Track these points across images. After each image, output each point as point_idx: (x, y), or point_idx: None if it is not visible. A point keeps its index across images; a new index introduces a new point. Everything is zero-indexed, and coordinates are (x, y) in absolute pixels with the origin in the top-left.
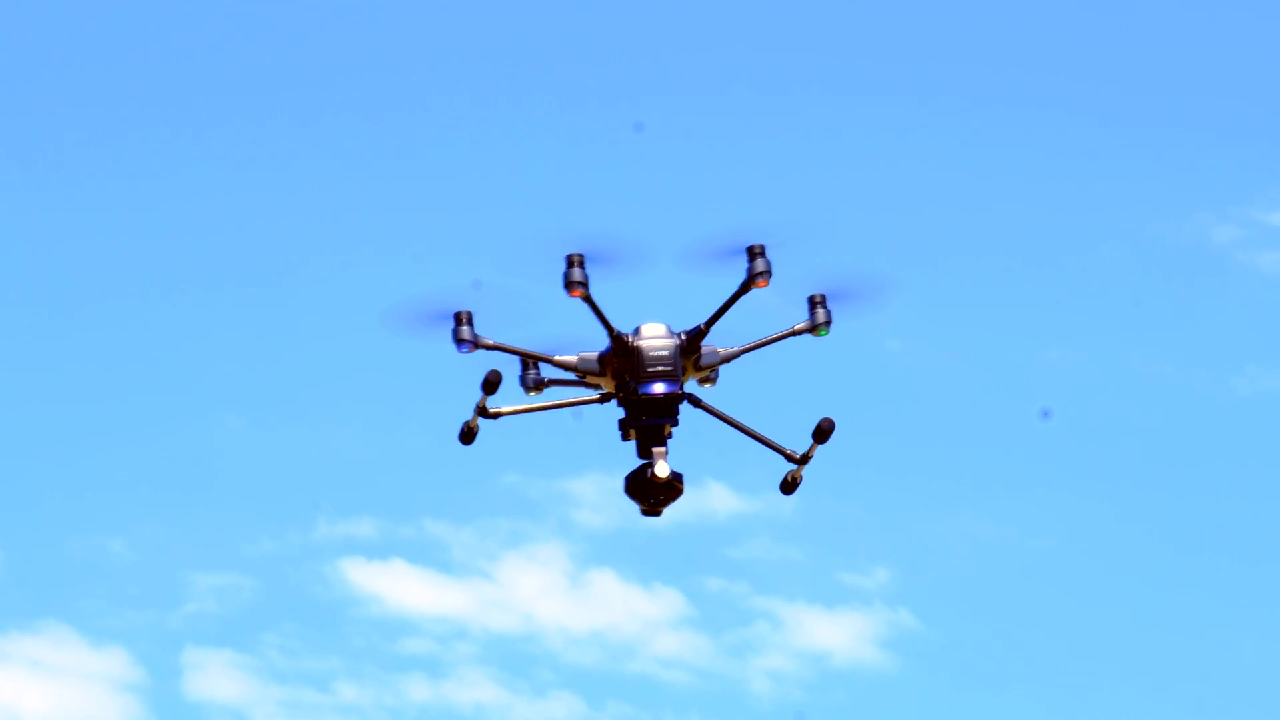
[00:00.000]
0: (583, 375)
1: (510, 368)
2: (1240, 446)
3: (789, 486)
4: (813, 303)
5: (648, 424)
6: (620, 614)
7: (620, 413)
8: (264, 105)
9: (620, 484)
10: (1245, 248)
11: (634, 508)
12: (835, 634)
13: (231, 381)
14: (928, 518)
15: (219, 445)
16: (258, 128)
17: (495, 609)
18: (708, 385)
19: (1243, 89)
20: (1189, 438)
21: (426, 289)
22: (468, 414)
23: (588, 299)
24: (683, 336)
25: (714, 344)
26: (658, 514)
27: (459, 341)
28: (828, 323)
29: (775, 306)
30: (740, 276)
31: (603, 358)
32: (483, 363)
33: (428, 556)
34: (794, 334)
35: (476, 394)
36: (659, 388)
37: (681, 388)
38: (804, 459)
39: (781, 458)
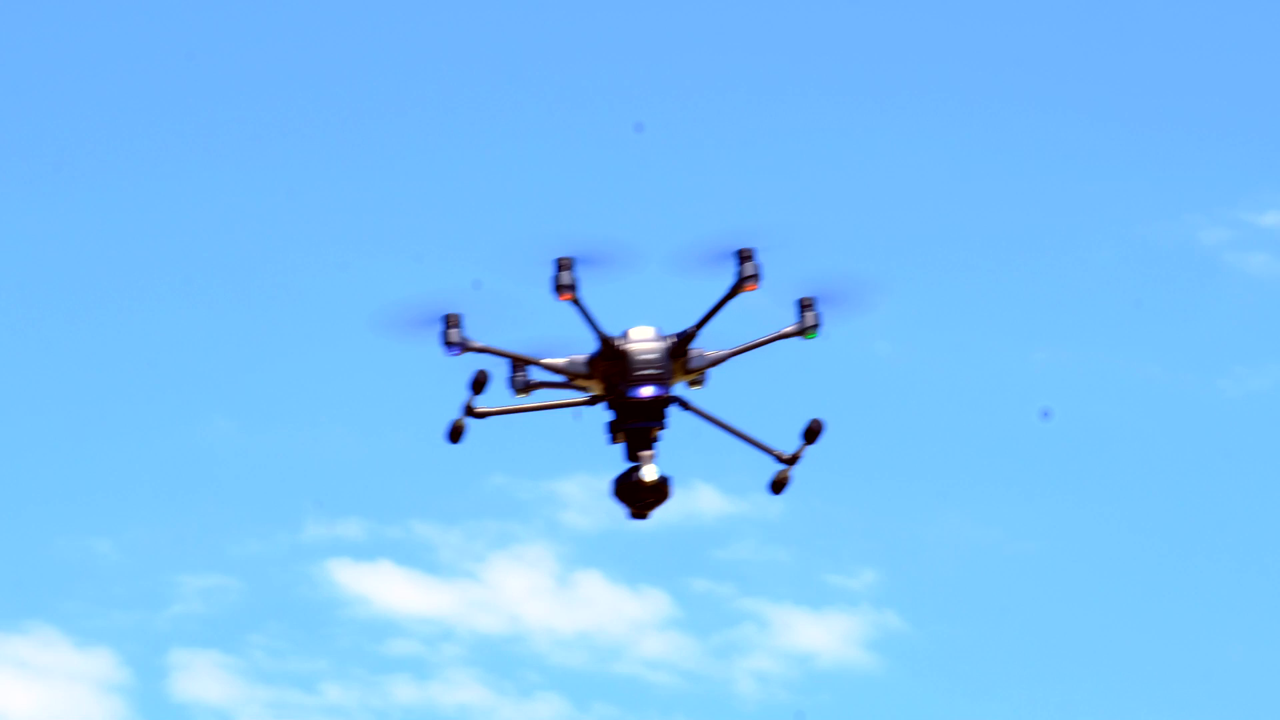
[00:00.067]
0: (571, 378)
1: (499, 370)
2: (1228, 447)
3: (778, 486)
4: (802, 306)
5: (636, 427)
6: (607, 615)
7: (609, 416)
8: (254, 108)
9: (608, 487)
10: (1234, 249)
11: (622, 510)
12: (822, 635)
13: (221, 384)
14: (915, 520)
15: (208, 447)
16: (247, 131)
17: (482, 610)
18: (697, 388)
19: (1232, 92)
20: (1177, 439)
21: (417, 291)
22: (455, 414)
23: (577, 302)
24: (672, 340)
25: (703, 347)
26: (645, 517)
27: (448, 344)
28: (817, 326)
29: (765, 309)
30: (729, 280)
31: (591, 361)
32: (471, 363)
33: (415, 557)
34: (783, 337)
35: (464, 395)
36: (648, 391)
37: (670, 391)
38: (793, 459)
39: (770, 459)
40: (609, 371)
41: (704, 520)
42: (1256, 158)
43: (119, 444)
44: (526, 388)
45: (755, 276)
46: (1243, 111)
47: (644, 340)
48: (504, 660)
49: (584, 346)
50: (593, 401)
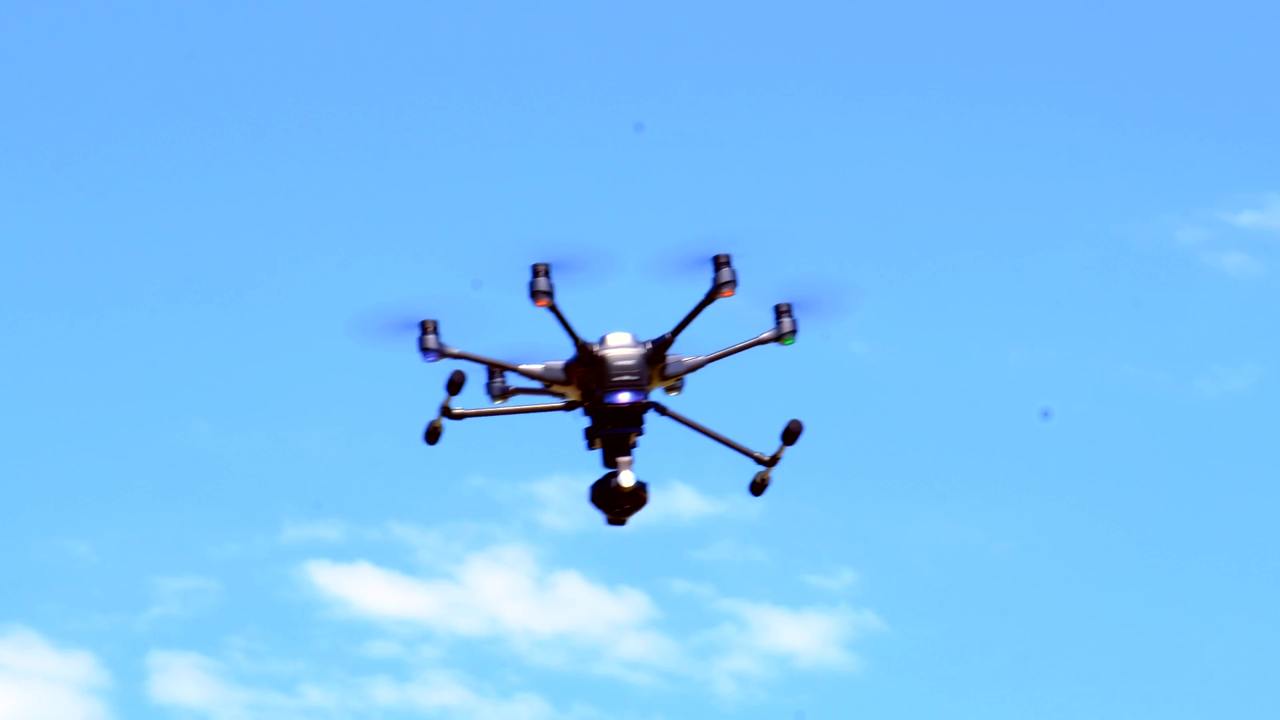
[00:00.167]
0: (548, 384)
1: (476, 376)
2: (1205, 447)
3: (758, 488)
4: (778, 312)
5: (613, 433)
6: (586, 616)
7: (586, 422)
8: (235, 110)
9: (586, 492)
10: (1211, 249)
11: (599, 516)
12: (801, 636)
13: (199, 386)
14: (894, 520)
15: (186, 449)
16: (221, 134)
17: (461, 611)
18: (674, 394)
19: (1210, 92)
20: (1155, 438)
21: (397, 295)
22: (433, 415)
23: (553, 308)
24: (648, 346)
25: (680, 353)
26: (623, 523)
27: (425, 350)
28: (793, 332)
29: (742, 314)
30: (706, 286)
31: (568, 367)
32: (448, 366)
33: (394, 559)
34: (760, 343)
35: (441, 397)
36: (625, 397)
37: (647, 397)
38: (773, 460)
39: (749, 461)
40: (586, 377)
41: (682, 521)
42: (1233, 158)
43: (97, 446)
44: (504, 394)
45: (732, 282)
46: (1220, 112)
47: (621, 346)
48: (483, 661)
49: (561, 352)
50: (570, 407)
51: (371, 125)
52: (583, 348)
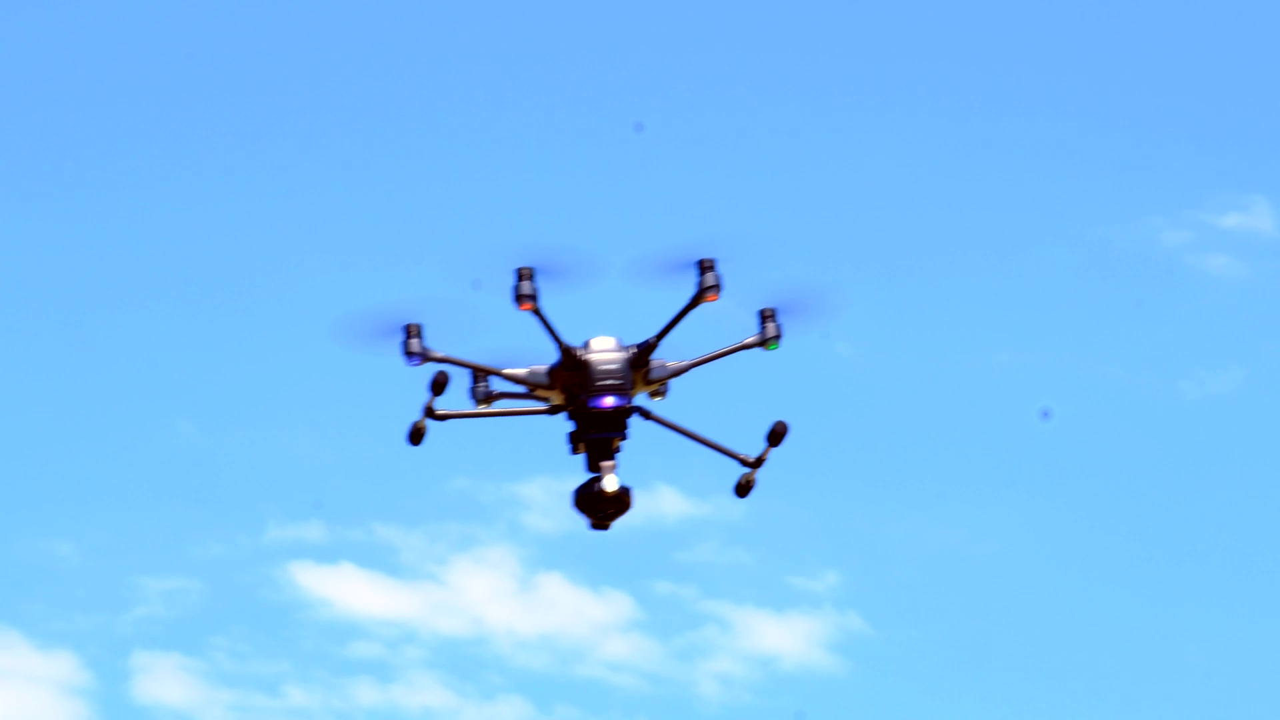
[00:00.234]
0: (532, 388)
1: (460, 380)
2: (1189, 449)
3: (743, 489)
4: (763, 317)
5: (597, 437)
6: (569, 617)
7: (570, 426)
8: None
9: (569, 496)
10: (1195, 251)
11: (582, 520)
12: (784, 637)
13: (182, 387)
14: (877, 522)
15: (169, 449)
16: (212, 135)
17: (444, 612)
18: (658, 398)
19: (1195, 94)
20: (1138, 440)
21: (383, 298)
22: (416, 416)
23: (537, 312)
24: (632, 350)
25: (664, 358)
26: (606, 528)
27: (409, 354)
28: (778, 337)
29: (726, 318)
30: (690, 290)
31: (552, 371)
32: (432, 369)
33: (377, 560)
34: (744, 348)
35: (424, 397)
36: (609, 401)
37: (631, 401)
38: (758, 462)
39: (734, 463)
40: (570, 382)
41: (666, 523)
42: (1218, 160)
43: (81, 446)
44: (488, 398)
45: (716, 287)
46: (1205, 114)
47: (605, 350)
48: (466, 662)
49: (545, 357)
50: (554, 411)
51: (364, 125)
52: (567, 352)
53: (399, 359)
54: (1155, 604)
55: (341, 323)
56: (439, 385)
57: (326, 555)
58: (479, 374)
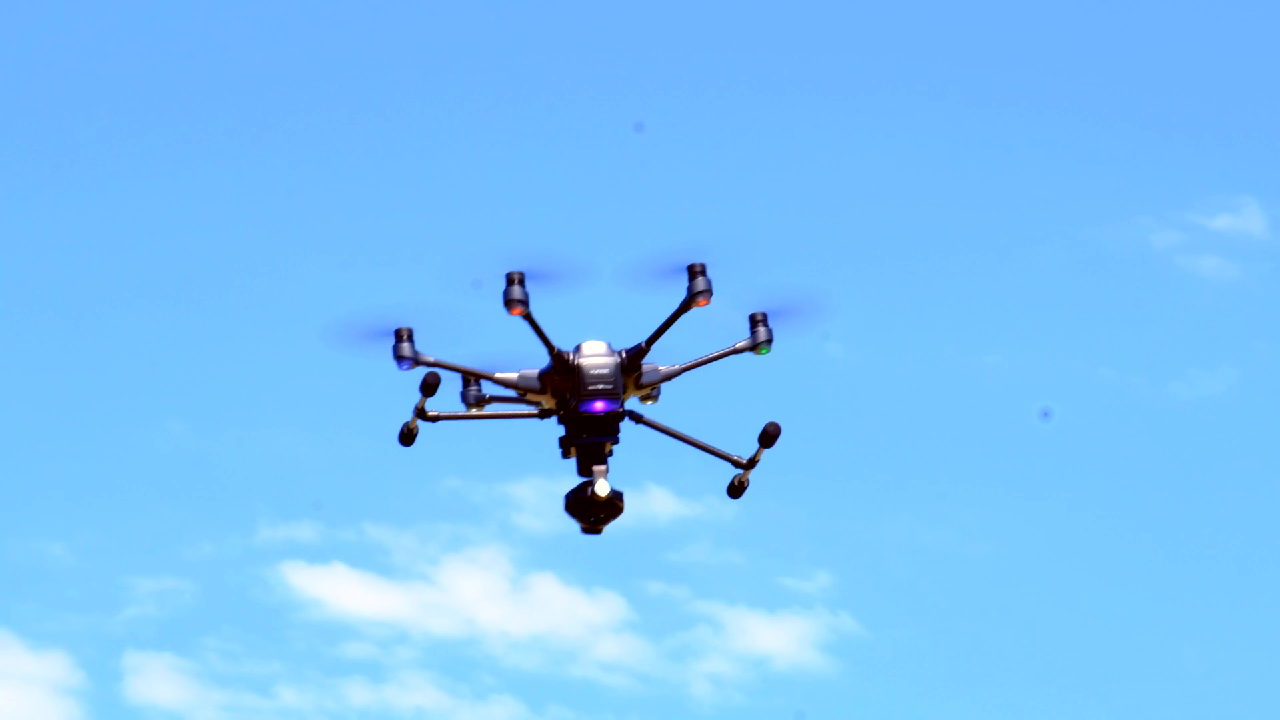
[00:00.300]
0: (523, 393)
1: (451, 384)
2: (1181, 450)
3: (736, 490)
4: (753, 321)
5: (588, 442)
6: (561, 618)
7: (561, 430)
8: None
9: (561, 499)
10: (1186, 252)
11: (574, 525)
12: (776, 638)
13: (173, 386)
14: (869, 522)
15: (160, 449)
16: (202, 135)
17: (436, 613)
18: (650, 402)
19: (1185, 94)
20: (1130, 441)
21: (375, 300)
22: (407, 417)
23: (528, 317)
24: (623, 355)
25: (655, 362)
26: (598, 532)
27: (399, 359)
28: (769, 341)
29: (718, 321)
30: (681, 295)
31: (543, 375)
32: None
33: (368, 560)
34: (735, 352)
35: (416, 398)
36: (600, 405)
37: (622, 405)
38: (750, 463)
39: (728, 465)
40: (561, 386)
41: (658, 523)
42: (1208, 161)
43: (72, 446)
44: (479, 402)
45: (707, 292)
46: (1195, 114)
47: (596, 355)
48: (458, 663)
49: (536, 361)
50: (544, 415)
51: (360, 125)
52: (557, 356)
53: (390, 362)
54: (1149, 604)
55: (332, 326)
56: (430, 386)
57: (318, 555)
58: (470, 378)
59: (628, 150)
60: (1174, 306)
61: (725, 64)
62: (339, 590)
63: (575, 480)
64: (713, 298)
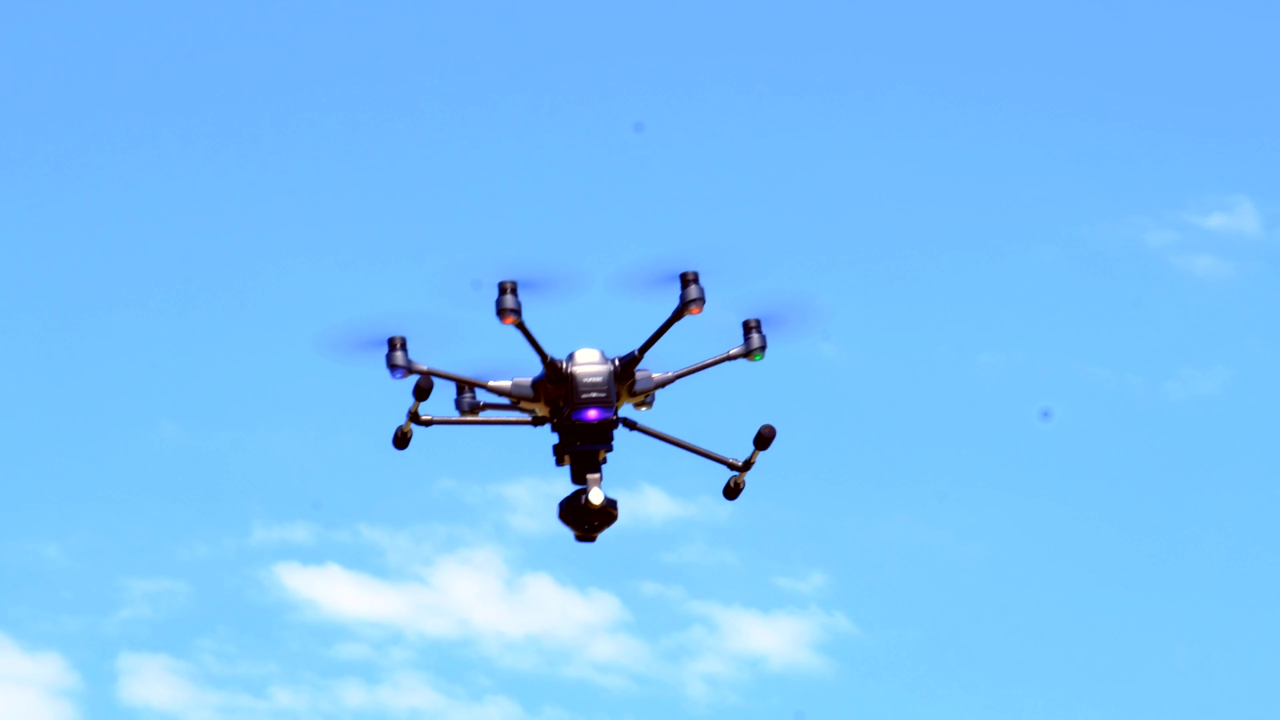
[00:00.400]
0: (517, 401)
1: (445, 391)
2: (1174, 450)
3: (732, 492)
4: (747, 328)
5: (582, 449)
6: (556, 619)
7: (554, 438)
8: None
9: (555, 504)
10: (1180, 251)
11: (568, 532)
12: (772, 638)
13: (167, 387)
14: (863, 522)
15: (154, 450)
16: (204, 134)
17: (431, 614)
18: (644, 409)
19: (1179, 92)
20: (1124, 441)
21: (368, 306)
22: (401, 419)
23: (520, 326)
24: (616, 362)
25: (648, 369)
26: (592, 540)
27: (392, 367)
28: (762, 348)
29: (712, 328)
30: (674, 303)
31: (536, 384)
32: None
33: (363, 561)
34: (729, 359)
35: (410, 401)
36: (593, 413)
37: (615, 413)
38: (746, 465)
39: (723, 468)
40: (554, 394)
41: (652, 524)
42: (1203, 160)
43: (65, 448)
44: (473, 409)
45: (700, 300)
46: (1189, 113)
47: (589, 363)
48: (453, 664)
49: (529, 369)
50: (538, 423)
51: (356, 125)
52: (550, 365)
53: (383, 369)
54: (1143, 604)
55: (325, 335)
56: (423, 390)
57: (312, 557)
58: (463, 386)
59: (627, 151)
60: (1168, 306)
61: (724, 64)
62: (333, 591)
63: (569, 483)
64: (705, 305)
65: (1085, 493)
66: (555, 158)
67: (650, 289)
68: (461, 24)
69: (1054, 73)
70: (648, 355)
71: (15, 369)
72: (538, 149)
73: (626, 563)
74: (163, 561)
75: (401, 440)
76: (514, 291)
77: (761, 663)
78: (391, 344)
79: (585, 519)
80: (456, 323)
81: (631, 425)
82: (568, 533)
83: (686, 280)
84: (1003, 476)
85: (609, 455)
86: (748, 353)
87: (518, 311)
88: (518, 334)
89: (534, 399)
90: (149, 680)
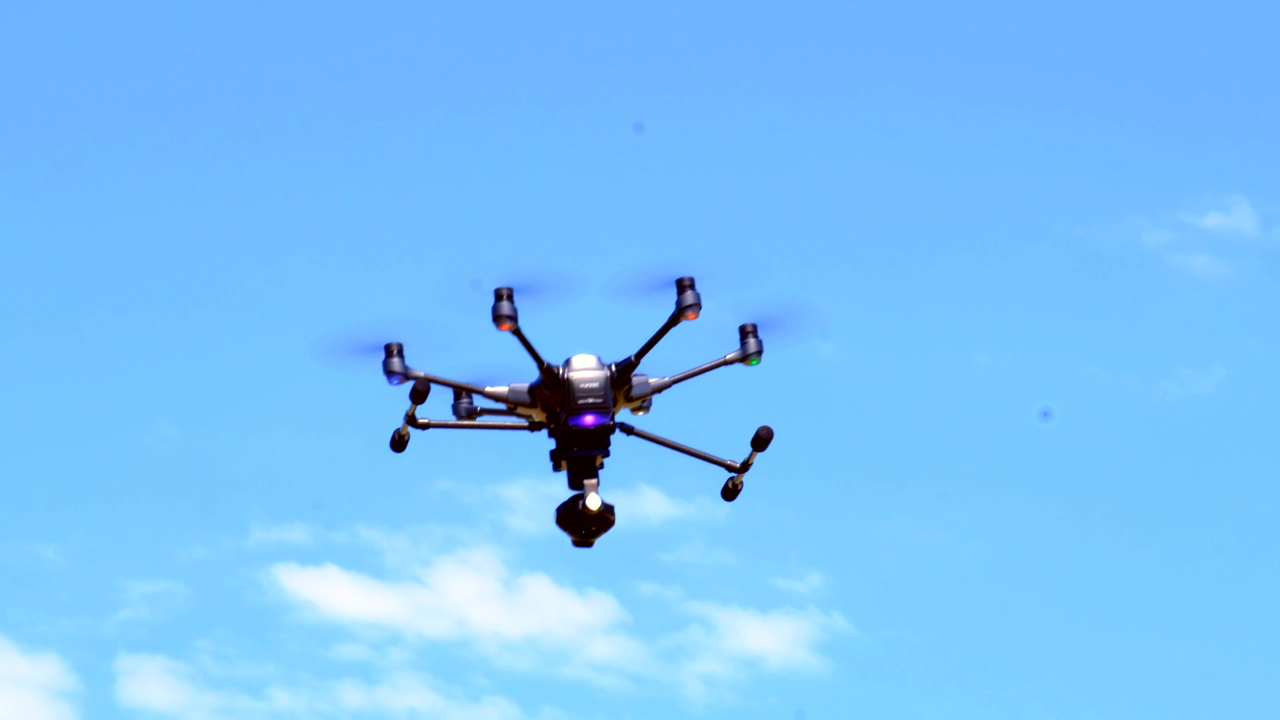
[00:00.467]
0: (514, 406)
1: (442, 397)
2: (1171, 450)
3: (730, 493)
4: (744, 332)
5: (579, 455)
6: (554, 619)
7: (551, 443)
8: (216, 109)
9: (552, 506)
10: (1176, 251)
11: (565, 538)
12: (769, 638)
13: (165, 388)
14: (861, 522)
15: (152, 451)
16: (202, 135)
17: (429, 615)
18: (641, 414)
19: (1175, 91)
20: (1121, 440)
21: (365, 310)
22: (398, 421)
23: (517, 332)
24: (613, 368)
25: (645, 374)
26: (589, 545)
27: (389, 373)
28: (759, 352)
29: (708, 333)
30: (670, 308)
31: (533, 390)
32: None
33: (361, 562)
34: (725, 364)
35: (407, 403)
36: (590, 419)
37: (612, 419)
38: (744, 467)
39: (721, 470)
40: (551, 400)
41: (650, 524)
42: (1199, 160)
43: (63, 449)
44: (470, 415)
45: (696, 305)
46: (1186, 113)
47: (586, 369)
48: (452, 664)
49: (526, 375)
50: (535, 428)
51: (354, 125)
52: (547, 371)
53: (380, 374)
54: (1141, 603)
55: (322, 341)
56: (420, 394)
57: (310, 558)
58: (460, 392)
59: (627, 152)
60: (1165, 306)
61: (724, 64)
62: (331, 592)
63: (566, 486)
64: (701, 311)
65: (1083, 493)
66: (555, 158)
67: (647, 295)
68: (461, 24)
69: (1051, 73)
70: (644, 360)
71: (14, 369)
72: (537, 150)
73: (624, 563)
74: (161, 563)
75: (398, 443)
76: (510, 298)
77: (759, 663)
78: (388, 350)
79: (582, 524)
80: (454, 328)
81: (629, 430)
82: (565, 536)
83: (683, 286)
84: (1001, 476)
85: (606, 460)
86: (744, 358)
87: (514, 318)
88: (514, 340)
89: (531, 405)
90: (147, 681)
